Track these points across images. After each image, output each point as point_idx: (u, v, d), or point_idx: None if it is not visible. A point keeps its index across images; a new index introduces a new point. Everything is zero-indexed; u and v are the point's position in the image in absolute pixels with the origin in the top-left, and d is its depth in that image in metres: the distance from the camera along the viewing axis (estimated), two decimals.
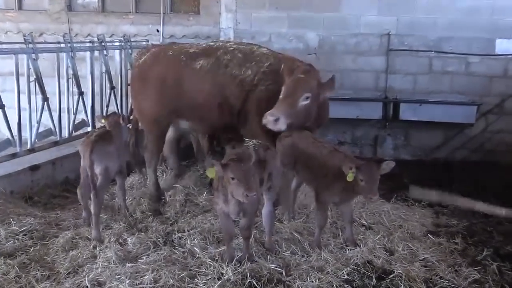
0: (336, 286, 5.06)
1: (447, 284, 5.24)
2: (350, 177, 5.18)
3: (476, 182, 8.82)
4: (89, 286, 4.81)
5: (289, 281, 5.12)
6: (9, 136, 7.30)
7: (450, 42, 10.06)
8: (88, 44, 9.03)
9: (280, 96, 6.22)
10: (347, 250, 5.81)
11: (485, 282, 5.35)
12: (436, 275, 5.36)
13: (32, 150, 7.47)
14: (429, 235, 6.46)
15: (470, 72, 10.15)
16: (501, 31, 9.94)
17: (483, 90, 10.18)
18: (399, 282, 5.16)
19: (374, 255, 5.64)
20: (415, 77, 10.22)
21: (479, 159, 10.22)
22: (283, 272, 5.25)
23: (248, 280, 5.03)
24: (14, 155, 7.07)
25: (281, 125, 6.03)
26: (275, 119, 5.98)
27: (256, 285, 5.04)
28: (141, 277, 5.01)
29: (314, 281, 5.11)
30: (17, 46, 7.92)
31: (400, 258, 5.66)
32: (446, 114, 9.94)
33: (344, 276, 5.23)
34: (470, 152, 10.42)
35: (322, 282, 5.08)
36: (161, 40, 10.65)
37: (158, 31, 10.87)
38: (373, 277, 5.26)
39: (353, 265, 5.42)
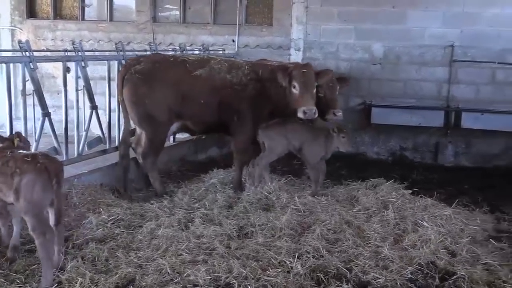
0: (400, 285, 4.98)
1: None
2: None
3: None
4: (169, 272, 4.91)
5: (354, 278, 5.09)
6: (100, 135, 7.57)
7: None
8: (171, 52, 9.18)
9: (300, 92, 7.03)
10: (409, 249, 5.71)
11: None
12: (499, 279, 5.24)
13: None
14: (491, 239, 6.34)
15: None
16: None
17: None
18: (462, 284, 5.06)
19: (436, 257, 5.58)
20: (478, 87, 10.00)
21: None
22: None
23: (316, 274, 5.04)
24: (104, 151, 7.48)
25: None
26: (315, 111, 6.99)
27: (323, 279, 5.01)
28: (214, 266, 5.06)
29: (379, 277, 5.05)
30: (107, 53, 8.35)
31: (462, 260, 5.59)
32: (509, 123, 9.68)
33: (408, 275, 5.17)
34: None
35: (386, 280, 5.02)
36: (236, 50, 10.84)
37: (233, 41, 11.02)
38: (436, 277, 5.20)
39: (416, 265, 5.36)
